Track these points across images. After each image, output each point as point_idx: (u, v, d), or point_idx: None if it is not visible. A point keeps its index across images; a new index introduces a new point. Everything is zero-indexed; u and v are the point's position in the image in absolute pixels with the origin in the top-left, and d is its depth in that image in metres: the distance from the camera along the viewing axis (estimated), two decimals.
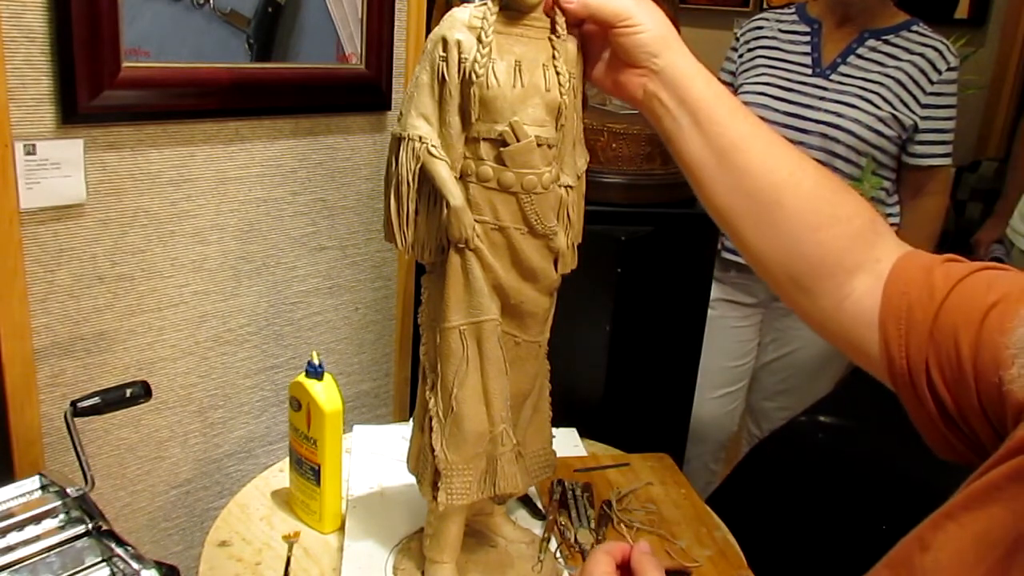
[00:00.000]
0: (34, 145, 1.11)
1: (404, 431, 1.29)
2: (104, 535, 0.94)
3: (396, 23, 1.48)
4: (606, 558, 0.68)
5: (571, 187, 0.89)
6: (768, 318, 1.98)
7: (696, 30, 3.37)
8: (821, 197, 0.75)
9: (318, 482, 1.07)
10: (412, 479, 0.97)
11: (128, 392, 1.07)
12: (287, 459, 1.15)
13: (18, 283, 1.13)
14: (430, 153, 0.82)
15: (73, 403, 1.03)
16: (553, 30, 0.82)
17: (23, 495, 0.97)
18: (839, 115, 1.73)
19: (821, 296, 0.74)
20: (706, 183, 0.78)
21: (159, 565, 0.90)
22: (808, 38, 1.83)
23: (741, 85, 1.88)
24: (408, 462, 0.98)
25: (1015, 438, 0.55)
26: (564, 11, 0.81)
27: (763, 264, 0.77)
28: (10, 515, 0.93)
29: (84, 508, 0.96)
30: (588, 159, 0.91)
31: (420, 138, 0.82)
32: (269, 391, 1.52)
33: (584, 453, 1.32)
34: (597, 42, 0.84)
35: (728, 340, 1.98)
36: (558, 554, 1.06)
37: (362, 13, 1.42)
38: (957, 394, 0.63)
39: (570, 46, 0.84)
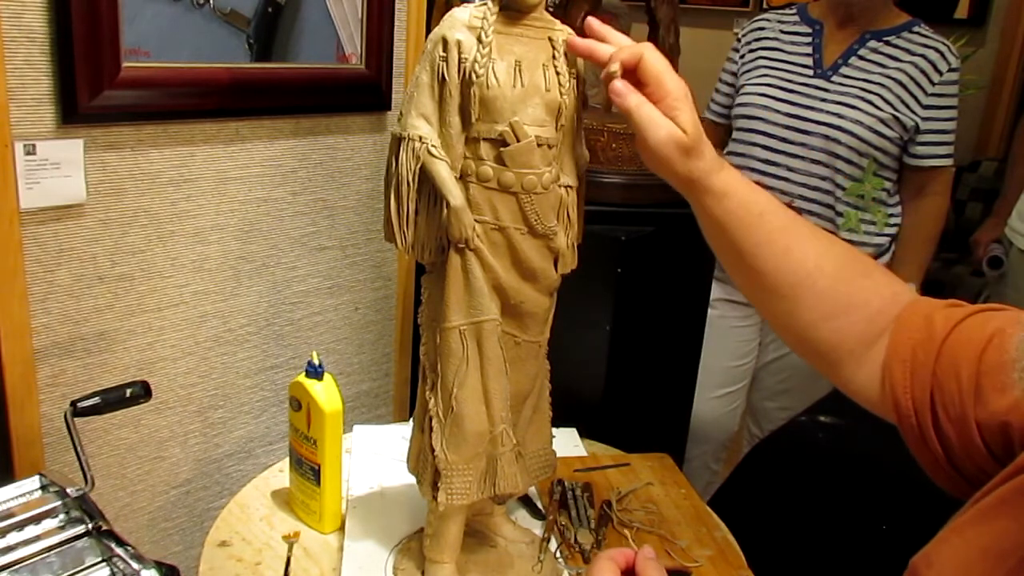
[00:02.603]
0: (34, 145, 1.11)
1: (404, 431, 1.29)
2: (104, 535, 0.93)
3: (396, 23, 1.48)
4: (610, 564, 0.69)
5: (571, 187, 0.89)
6: None
7: (696, 30, 3.37)
8: (839, 289, 0.76)
9: (318, 482, 1.07)
10: (412, 479, 0.97)
11: (128, 392, 1.07)
12: (287, 459, 1.15)
13: (18, 283, 1.14)
14: (430, 153, 0.82)
15: (73, 403, 1.03)
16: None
17: (23, 495, 0.97)
18: (840, 116, 1.73)
19: (840, 368, 0.77)
20: (728, 268, 0.82)
21: (159, 565, 0.90)
22: (809, 39, 1.83)
23: (742, 86, 1.88)
24: (408, 462, 0.98)
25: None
26: (609, 91, 0.77)
27: (782, 337, 0.81)
28: (10, 515, 0.93)
29: (84, 508, 0.96)
30: (588, 159, 0.91)
31: (420, 138, 0.82)
32: (269, 391, 1.52)
33: (584, 453, 1.32)
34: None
35: (729, 340, 1.98)
36: (558, 554, 1.06)
37: (362, 13, 1.42)
38: (960, 430, 0.64)
39: None
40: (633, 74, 0.77)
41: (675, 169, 0.77)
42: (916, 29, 1.77)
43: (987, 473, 0.63)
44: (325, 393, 1.05)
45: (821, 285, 0.76)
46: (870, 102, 1.72)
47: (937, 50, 1.74)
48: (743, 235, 0.78)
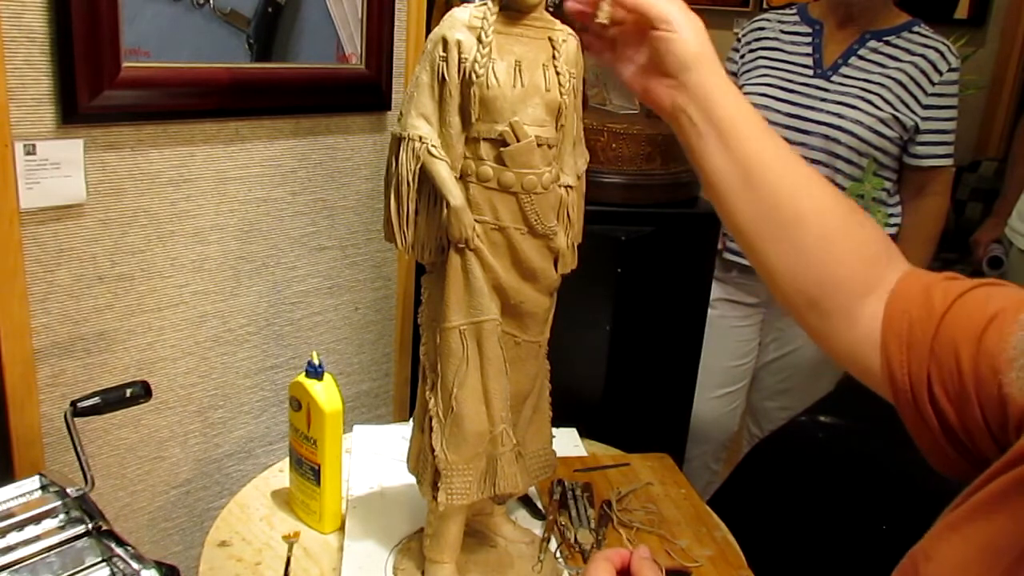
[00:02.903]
0: (34, 145, 1.11)
1: (404, 431, 1.29)
2: (104, 535, 0.93)
3: (396, 23, 1.48)
4: (606, 564, 0.69)
5: (571, 187, 0.89)
6: (769, 318, 1.98)
7: None
8: (839, 223, 0.76)
9: (318, 482, 1.07)
10: (412, 479, 0.97)
11: (128, 392, 1.07)
12: (287, 459, 1.15)
13: (18, 283, 1.13)
14: (430, 153, 0.82)
15: (73, 403, 1.03)
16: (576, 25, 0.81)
17: (23, 495, 0.97)
18: (840, 116, 1.73)
19: (832, 317, 0.75)
20: (729, 200, 0.78)
21: (159, 565, 0.90)
22: (809, 39, 1.83)
23: (743, 86, 1.88)
24: (408, 462, 0.98)
25: (1018, 447, 0.55)
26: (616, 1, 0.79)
27: (777, 281, 0.78)
28: (10, 515, 0.93)
29: (84, 508, 0.96)
30: (588, 159, 0.91)
31: (420, 138, 0.82)
32: (269, 391, 1.52)
33: (584, 453, 1.32)
34: (633, 42, 0.82)
35: (729, 340, 1.98)
36: (558, 554, 1.06)
37: (362, 13, 1.42)
38: (959, 408, 0.64)
39: (570, 46, 0.84)
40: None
41: (694, 45, 0.76)
42: (916, 29, 1.77)
43: (983, 454, 0.63)
44: (325, 393, 1.05)
45: (826, 213, 0.75)
46: (870, 102, 1.72)
47: (937, 50, 1.74)
48: (761, 145, 0.77)
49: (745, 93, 1.86)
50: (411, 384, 1.75)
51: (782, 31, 1.88)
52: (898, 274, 0.74)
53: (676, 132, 0.81)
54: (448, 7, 1.47)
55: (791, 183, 0.76)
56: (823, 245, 0.75)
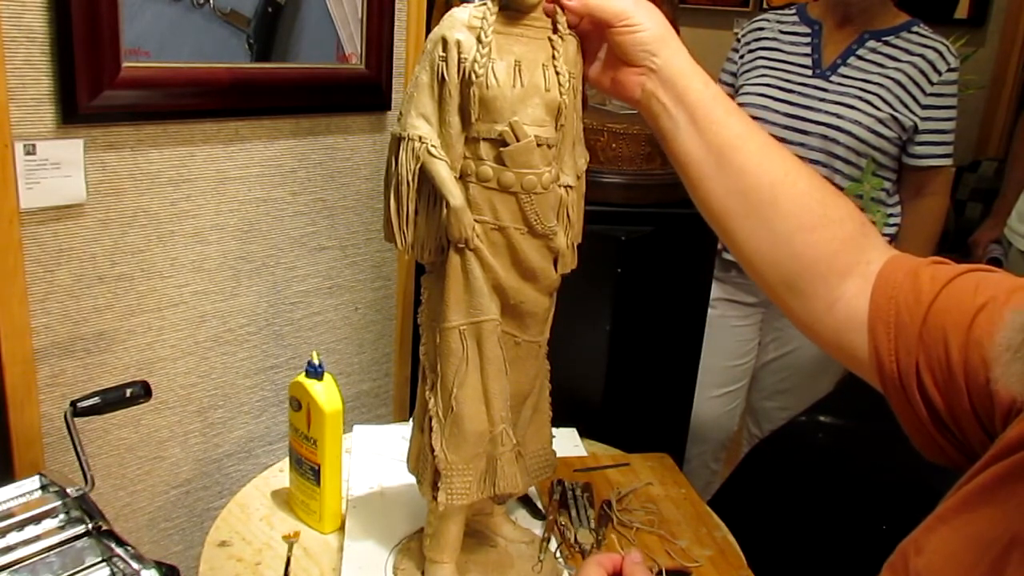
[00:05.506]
0: (34, 145, 1.11)
1: (404, 431, 1.29)
2: (104, 535, 0.94)
3: (396, 23, 1.48)
4: (598, 569, 0.69)
5: (571, 187, 0.89)
6: (768, 317, 1.98)
7: (696, 30, 3.37)
8: (814, 199, 0.76)
9: (318, 482, 1.08)
10: (412, 479, 0.97)
11: (128, 392, 1.07)
12: (287, 459, 1.15)
13: (18, 283, 1.14)
14: (430, 153, 0.82)
15: (73, 403, 1.03)
16: (554, 30, 0.82)
17: (23, 495, 0.97)
18: (839, 116, 1.73)
19: (812, 298, 0.75)
20: (702, 182, 0.79)
21: (159, 565, 0.90)
22: (808, 39, 1.83)
23: (742, 86, 1.88)
24: (408, 462, 0.98)
25: (1004, 439, 0.55)
26: (565, 9, 0.81)
27: (755, 265, 0.78)
28: (10, 515, 0.93)
29: (84, 508, 0.96)
30: (588, 159, 0.91)
31: (420, 138, 0.82)
32: (269, 391, 1.52)
33: (584, 453, 1.32)
34: (594, 41, 0.85)
35: (728, 339, 1.98)
36: (558, 554, 1.06)
37: (362, 13, 1.42)
38: (948, 397, 0.64)
39: (570, 46, 0.84)
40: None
41: (655, 31, 0.78)
42: (915, 29, 1.77)
43: (971, 442, 0.63)
44: (325, 393, 1.05)
45: (798, 189, 0.75)
46: (869, 102, 1.72)
47: (936, 50, 1.74)
48: (732, 125, 0.77)
49: (744, 93, 1.89)
50: (411, 384, 1.75)
51: (781, 31, 1.88)
52: (876, 253, 0.74)
53: (648, 120, 0.82)
54: (448, 7, 1.47)
55: (762, 161, 0.76)
56: (796, 221, 0.75)
